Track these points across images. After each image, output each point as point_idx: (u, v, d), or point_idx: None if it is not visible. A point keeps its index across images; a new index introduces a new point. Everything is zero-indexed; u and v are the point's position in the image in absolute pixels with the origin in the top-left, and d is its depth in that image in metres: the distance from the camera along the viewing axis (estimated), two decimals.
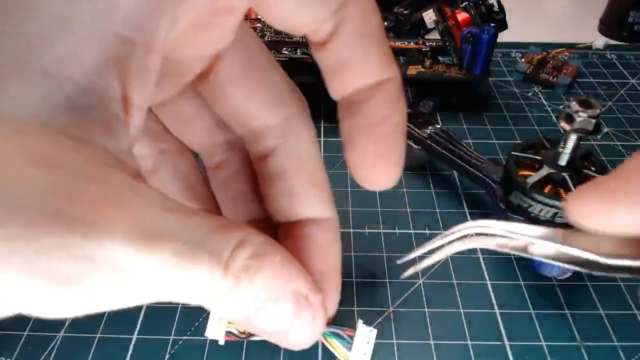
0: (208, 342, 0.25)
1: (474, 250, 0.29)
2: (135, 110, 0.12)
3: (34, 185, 0.09)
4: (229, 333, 0.20)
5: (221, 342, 0.20)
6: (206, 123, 0.19)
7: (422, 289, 0.27)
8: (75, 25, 0.11)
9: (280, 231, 0.18)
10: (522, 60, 0.46)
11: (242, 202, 0.19)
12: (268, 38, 0.40)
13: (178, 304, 0.26)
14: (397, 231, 0.31)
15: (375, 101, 0.17)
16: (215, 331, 0.19)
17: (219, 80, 0.17)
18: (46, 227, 0.09)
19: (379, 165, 0.17)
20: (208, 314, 0.26)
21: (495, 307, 0.27)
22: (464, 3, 0.39)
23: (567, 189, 0.26)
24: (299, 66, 0.38)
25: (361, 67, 0.16)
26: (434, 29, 0.41)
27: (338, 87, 0.17)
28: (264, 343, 0.21)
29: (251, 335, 0.20)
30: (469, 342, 0.25)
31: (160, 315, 0.26)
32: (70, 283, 0.10)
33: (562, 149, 0.27)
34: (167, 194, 0.13)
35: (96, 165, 0.11)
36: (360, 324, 0.18)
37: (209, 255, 0.12)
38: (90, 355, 0.24)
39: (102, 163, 0.11)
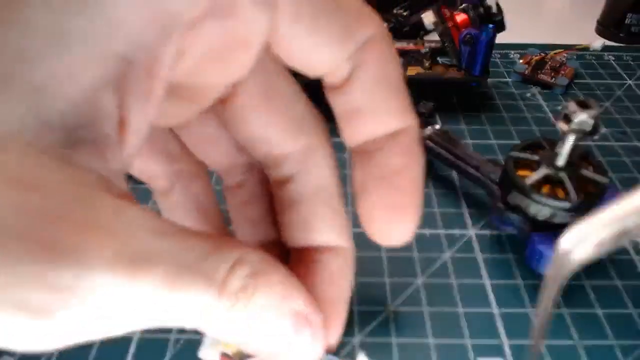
0: None
1: (473, 250, 0.30)
2: (132, 133, 0.12)
3: (8, 208, 0.09)
4: (224, 354, 0.19)
5: None
6: (227, 144, 0.18)
7: (422, 289, 0.27)
8: (73, 41, 0.10)
9: (292, 256, 0.17)
10: (521, 61, 0.46)
11: (257, 223, 0.19)
12: None
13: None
14: None
15: (391, 151, 0.16)
16: (209, 353, 0.19)
17: (238, 106, 0.17)
18: (18, 254, 0.09)
19: (393, 221, 0.16)
20: None
21: (494, 306, 0.27)
22: (463, 4, 0.40)
23: (565, 189, 0.26)
24: None
25: (377, 116, 0.16)
26: (433, 30, 0.41)
27: (352, 134, 0.16)
28: None
29: (246, 356, 0.20)
30: (468, 342, 0.25)
31: None
32: (46, 315, 0.09)
33: (560, 150, 0.27)
34: (179, 215, 0.13)
35: (79, 187, 0.10)
36: (361, 356, 0.18)
37: (203, 276, 0.12)
38: (91, 355, 0.24)
39: (87, 185, 0.10)
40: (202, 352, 0.19)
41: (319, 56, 0.15)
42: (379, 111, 0.16)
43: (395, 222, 0.16)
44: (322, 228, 0.17)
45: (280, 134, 0.17)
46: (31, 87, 0.10)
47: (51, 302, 0.09)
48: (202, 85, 0.16)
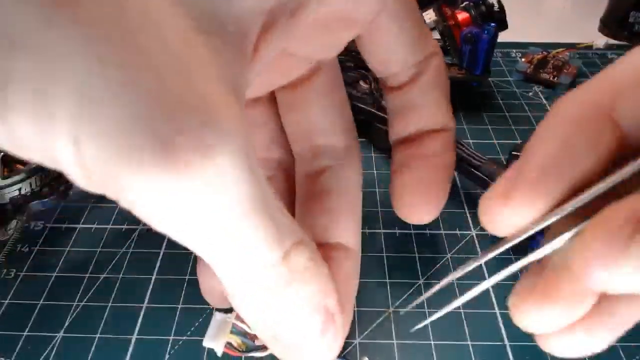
0: None
1: (474, 251, 0.29)
2: (256, 62, 0.13)
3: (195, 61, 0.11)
4: (228, 345, 0.19)
5: (219, 354, 0.19)
6: (267, 136, 0.20)
7: (423, 290, 0.27)
8: None
9: None
10: (523, 60, 0.46)
11: None
12: None
13: (180, 303, 0.26)
14: (397, 231, 0.31)
15: (434, 140, 0.18)
16: (213, 341, 0.19)
17: (308, 90, 0.18)
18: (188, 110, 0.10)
19: (423, 196, 0.17)
20: (207, 315, 0.26)
21: (496, 307, 0.27)
22: (464, 3, 0.39)
23: None
24: None
25: (428, 113, 0.18)
26: (434, 28, 0.41)
27: (404, 126, 0.18)
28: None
29: (250, 350, 0.19)
30: (469, 343, 0.25)
31: (160, 315, 0.26)
32: (186, 170, 0.10)
33: None
34: None
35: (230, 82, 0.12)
36: None
37: (278, 232, 0.12)
38: (90, 355, 0.24)
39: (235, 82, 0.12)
40: (207, 341, 0.19)
41: (398, 56, 0.17)
42: (430, 109, 0.18)
43: (425, 197, 0.17)
44: (342, 225, 0.18)
45: (333, 126, 0.19)
46: None
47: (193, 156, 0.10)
48: (302, 54, 0.17)
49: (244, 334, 0.19)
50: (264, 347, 0.20)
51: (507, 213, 0.14)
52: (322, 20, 0.16)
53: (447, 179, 0.18)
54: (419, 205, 0.18)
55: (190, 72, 0.11)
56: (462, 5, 0.39)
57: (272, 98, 0.20)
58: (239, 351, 0.20)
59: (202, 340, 0.25)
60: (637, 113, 0.12)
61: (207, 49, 0.11)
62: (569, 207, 0.13)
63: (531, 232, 0.14)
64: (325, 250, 0.17)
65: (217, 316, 0.20)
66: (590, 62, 0.48)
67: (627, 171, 0.12)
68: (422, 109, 0.18)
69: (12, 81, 0.10)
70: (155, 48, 0.10)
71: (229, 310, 0.20)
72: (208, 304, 0.26)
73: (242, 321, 0.19)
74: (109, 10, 0.10)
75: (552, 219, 0.13)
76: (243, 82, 0.13)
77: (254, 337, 0.20)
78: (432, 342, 0.25)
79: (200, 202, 0.11)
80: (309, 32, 0.16)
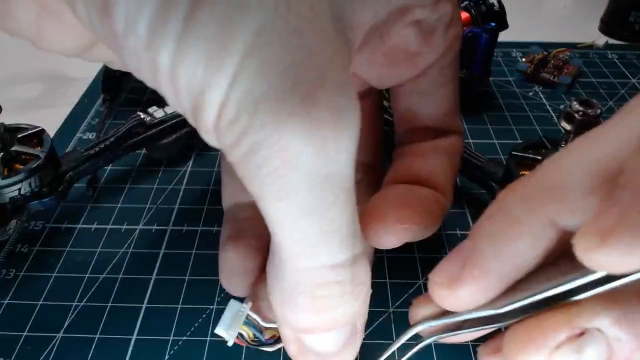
0: (208, 343, 0.25)
1: None
2: (354, 60, 0.15)
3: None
4: (239, 336, 0.19)
5: (230, 343, 0.19)
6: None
7: (423, 289, 0.27)
8: None
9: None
10: (523, 59, 0.46)
11: None
12: None
13: (184, 303, 0.26)
14: None
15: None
16: (227, 330, 0.19)
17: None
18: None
19: (388, 218, 0.18)
20: (207, 314, 0.26)
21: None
22: (464, 2, 0.39)
23: None
24: None
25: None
26: None
27: (406, 168, 0.20)
28: (267, 354, 0.21)
29: (261, 344, 0.19)
30: (469, 342, 0.25)
31: (160, 315, 0.26)
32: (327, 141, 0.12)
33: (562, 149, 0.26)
34: None
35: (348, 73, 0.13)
36: None
37: (354, 233, 0.13)
38: (90, 356, 0.24)
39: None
40: (220, 329, 0.19)
41: (427, 112, 0.21)
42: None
43: (395, 217, 0.18)
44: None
45: (366, 145, 0.21)
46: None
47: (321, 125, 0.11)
48: (364, 77, 0.20)
49: (256, 327, 0.19)
50: (274, 342, 0.19)
51: (453, 299, 0.15)
52: (391, 55, 0.18)
53: (431, 211, 0.19)
54: (381, 233, 0.18)
55: (336, 45, 0.12)
56: (462, 5, 0.39)
57: None
58: (249, 344, 0.19)
59: (202, 340, 0.25)
60: (579, 218, 0.13)
61: (338, 41, 0.13)
62: (506, 307, 0.14)
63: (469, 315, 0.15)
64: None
65: (233, 305, 0.19)
66: (591, 62, 0.48)
67: (559, 288, 0.13)
68: (430, 168, 0.20)
69: (206, 1, 0.10)
70: (321, 13, 0.12)
71: (244, 300, 0.20)
72: (208, 304, 0.26)
73: (258, 313, 0.19)
74: None
75: (489, 312, 0.15)
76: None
77: (263, 329, 0.19)
78: (433, 342, 0.25)
79: (312, 164, 0.11)
80: (376, 65, 0.19)
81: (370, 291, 0.15)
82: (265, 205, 0.12)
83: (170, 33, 0.10)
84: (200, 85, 0.11)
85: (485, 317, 0.15)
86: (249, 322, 0.19)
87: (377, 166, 0.22)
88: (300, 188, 0.12)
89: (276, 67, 0.10)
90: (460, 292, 0.14)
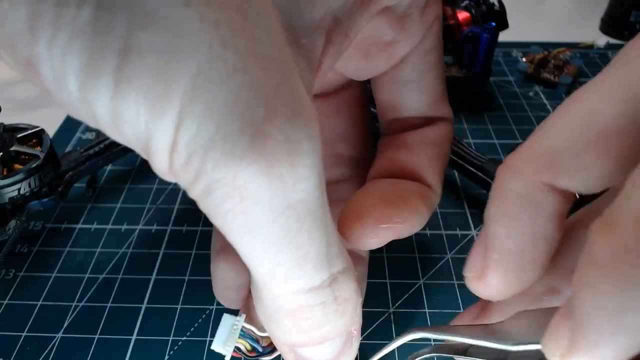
0: (207, 343, 0.25)
1: None
2: (317, 77, 0.14)
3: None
4: (236, 349, 0.19)
5: (227, 358, 0.19)
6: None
7: (423, 289, 0.27)
8: None
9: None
10: (523, 59, 0.46)
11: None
12: None
13: (185, 303, 0.26)
14: None
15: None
16: (223, 346, 0.19)
17: (339, 101, 0.20)
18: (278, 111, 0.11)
19: (368, 215, 0.17)
20: (207, 315, 0.26)
21: None
22: (465, 2, 0.39)
23: None
24: None
25: (422, 170, 0.20)
26: None
27: (388, 163, 0.20)
28: None
29: (260, 354, 0.19)
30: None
31: (160, 316, 0.26)
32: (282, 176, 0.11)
33: None
34: None
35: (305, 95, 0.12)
36: None
37: (328, 252, 0.13)
38: (89, 356, 0.24)
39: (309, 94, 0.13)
40: (216, 346, 0.19)
41: (411, 100, 0.20)
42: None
43: (377, 214, 0.17)
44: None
45: (355, 138, 0.21)
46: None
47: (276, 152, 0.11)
48: (341, 71, 0.20)
49: (252, 337, 0.19)
50: (271, 351, 0.19)
51: (487, 289, 0.15)
52: (364, 47, 0.18)
53: (416, 205, 0.19)
54: (358, 235, 0.17)
55: (286, 68, 0.12)
56: (462, 5, 0.39)
57: None
58: (247, 356, 0.19)
59: (202, 340, 0.25)
60: (577, 178, 0.13)
61: (288, 61, 0.12)
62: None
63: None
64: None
65: (227, 319, 0.19)
66: (591, 61, 0.48)
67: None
68: (415, 160, 0.19)
69: (135, 52, 0.10)
70: (265, 40, 0.11)
71: (237, 312, 0.20)
72: (208, 304, 0.26)
73: (252, 323, 0.19)
74: None
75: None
76: (310, 91, 0.13)
77: (259, 339, 0.19)
78: (433, 342, 0.25)
79: (271, 199, 0.11)
80: (352, 58, 0.18)
81: (361, 299, 0.15)
82: (231, 240, 0.12)
83: (103, 86, 0.10)
84: (145, 134, 0.10)
85: (492, 350, 0.15)
86: (244, 334, 0.19)
87: (368, 160, 0.21)
88: (262, 222, 0.11)
89: (221, 108, 0.10)
90: (489, 280, 0.14)
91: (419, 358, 0.17)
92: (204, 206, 0.11)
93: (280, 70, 0.11)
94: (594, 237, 0.10)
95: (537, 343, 0.13)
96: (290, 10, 0.13)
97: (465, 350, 0.17)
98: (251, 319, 0.19)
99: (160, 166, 0.11)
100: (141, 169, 0.36)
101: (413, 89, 0.19)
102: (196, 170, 0.11)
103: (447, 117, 0.20)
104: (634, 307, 0.10)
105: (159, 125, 0.10)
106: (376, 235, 0.17)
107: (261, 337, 0.19)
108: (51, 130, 0.38)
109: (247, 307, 0.20)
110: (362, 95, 0.22)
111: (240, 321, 0.19)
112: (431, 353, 0.17)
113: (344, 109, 0.21)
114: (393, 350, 0.24)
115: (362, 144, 0.21)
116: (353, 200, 0.18)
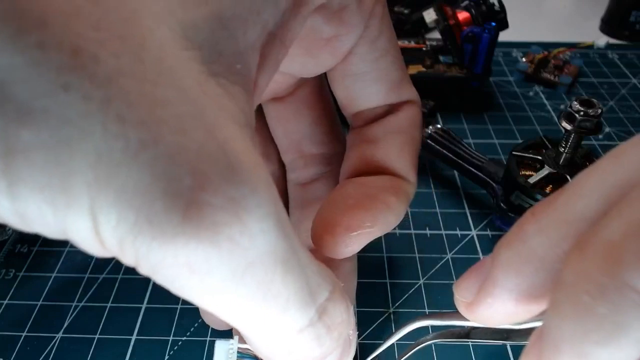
0: (207, 343, 0.25)
1: (474, 251, 0.29)
2: (257, 94, 0.14)
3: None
4: None
5: None
6: (300, 128, 0.21)
7: (423, 289, 0.27)
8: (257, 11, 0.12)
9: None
10: (523, 59, 0.46)
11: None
12: None
13: (186, 304, 0.26)
14: (397, 231, 0.31)
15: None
16: None
17: (295, 102, 0.19)
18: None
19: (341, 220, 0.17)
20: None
21: None
22: (465, 2, 0.39)
23: None
24: None
25: (393, 160, 0.19)
26: (434, 28, 0.41)
27: (359, 162, 0.18)
28: None
29: None
30: (469, 343, 0.25)
31: (159, 316, 0.26)
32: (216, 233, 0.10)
33: (563, 149, 0.26)
34: None
35: (234, 124, 0.11)
36: None
37: (308, 287, 0.12)
38: (89, 356, 0.24)
39: (237, 123, 0.11)
40: None
41: (369, 90, 0.19)
42: (391, 156, 0.18)
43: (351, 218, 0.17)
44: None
45: (322, 136, 0.20)
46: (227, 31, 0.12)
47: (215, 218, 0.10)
48: (289, 72, 0.18)
49: (250, 355, 0.19)
50: None
51: (474, 316, 0.14)
52: (306, 46, 0.17)
53: (390, 206, 0.18)
54: (327, 242, 0.17)
55: (208, 120, 0.10)
56: (462, 5, 0.39)
57: (259, 111, 0.20)
58: None
59: (202, 340, 0.25)
60: None
61: (219, 91, 0.11)
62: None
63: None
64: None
65: (220, 345, 0.19)
66: (591, 61, 0.48)
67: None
68: (383, 153, 0.18)
69: (19, 151, 0.09)
70: (173, 98, 0.10)
71: (228, 333, 0.19)
72: None
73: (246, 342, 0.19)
74: (127, 62, 0.09)
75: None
76: (250, 117, 0.12)
77: (256, 355, 0.19)
78: (432, 342, 0.25)
79: (226, 264, 0.10)
80: (295, 58, 0.17)
81: (351, 306, 0.15)
82: (198, 305, 0.11)
83: (0, 190, 0.09)
84: (58, 229, 0.09)
85: (493, 330, 0.15)
86: (242, 354, 0.18)
87: (341, 153, 0.20)
88: (225, 286, 0.10)
89: (135, 191, 0.09)
90: (481, 311, 0.14)
91: (421, 345, 0.17)
92: (158, 281, 0.10)
93: (200, 125, 0.10)
94: (567, 257, 0.10)
95: (539, 321, 0.13)
96: (217, 41, 0.11)
97: (467, 333, 0.17)
98: (244, 338, 0.19)
99: (94, 252, 0.10)
100: None
101: (367, 80, 0.18)
102: (133, 256, 0.10)
103: (411, 99, 0.19)
104: (593, 340, 0.09)
105: (67, 220, 0.09)
106: (349, 244, 0.17)
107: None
108: None
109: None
110: (321, 91, 0.20)
111: (234, 344, 0.18)
112: (434, 340, 0.17)
113: (304, 108, 0.20)
114: (394, 349, 0.25)
115: (330, 139, 0.20)
116: (322, 210, 0.17)
